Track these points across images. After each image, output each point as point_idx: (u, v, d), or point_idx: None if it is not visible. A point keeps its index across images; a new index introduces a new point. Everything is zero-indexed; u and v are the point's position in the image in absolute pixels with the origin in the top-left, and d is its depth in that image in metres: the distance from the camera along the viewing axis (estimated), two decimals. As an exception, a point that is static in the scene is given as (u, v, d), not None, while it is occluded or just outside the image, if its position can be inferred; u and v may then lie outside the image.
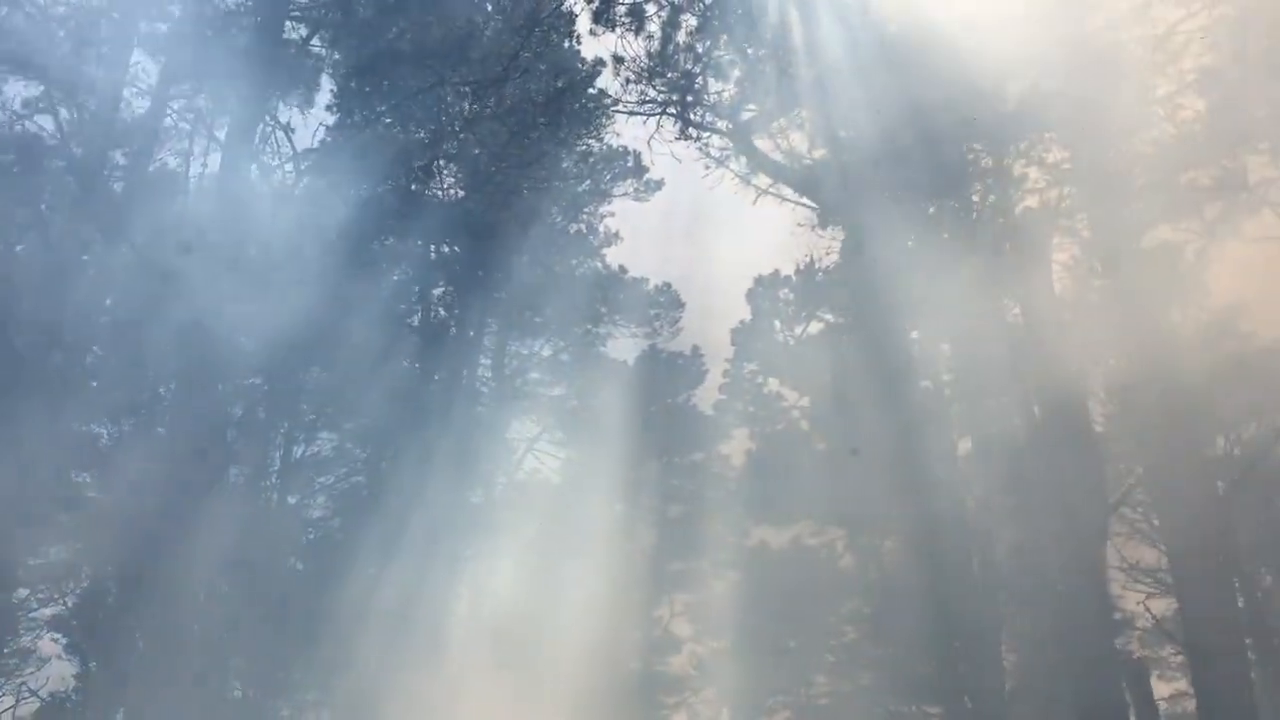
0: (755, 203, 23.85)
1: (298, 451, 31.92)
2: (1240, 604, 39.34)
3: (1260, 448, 28.52)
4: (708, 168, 24.54)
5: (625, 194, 30.88)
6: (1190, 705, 28.13)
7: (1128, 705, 21.35)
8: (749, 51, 22.93)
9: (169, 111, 25.67)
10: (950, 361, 33.88)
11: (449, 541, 31.22)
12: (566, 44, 26.34)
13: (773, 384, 36.72)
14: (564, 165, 27.25)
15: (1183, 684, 37.15)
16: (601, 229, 31.78)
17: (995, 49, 24.22)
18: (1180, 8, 23.69)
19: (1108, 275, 24.27)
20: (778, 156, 24.58)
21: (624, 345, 35.61)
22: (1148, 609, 35.00)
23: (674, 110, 23.05)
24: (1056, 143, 26.67)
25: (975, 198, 28.83)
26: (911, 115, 24.72)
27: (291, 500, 31.56)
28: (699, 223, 34.68)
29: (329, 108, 24.89)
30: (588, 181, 29.79)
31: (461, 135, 25.28)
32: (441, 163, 24.75)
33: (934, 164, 25.84)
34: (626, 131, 27.84)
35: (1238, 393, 34.53)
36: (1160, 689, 41.13)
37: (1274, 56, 25.89)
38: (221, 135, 26.00)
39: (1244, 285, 37.91)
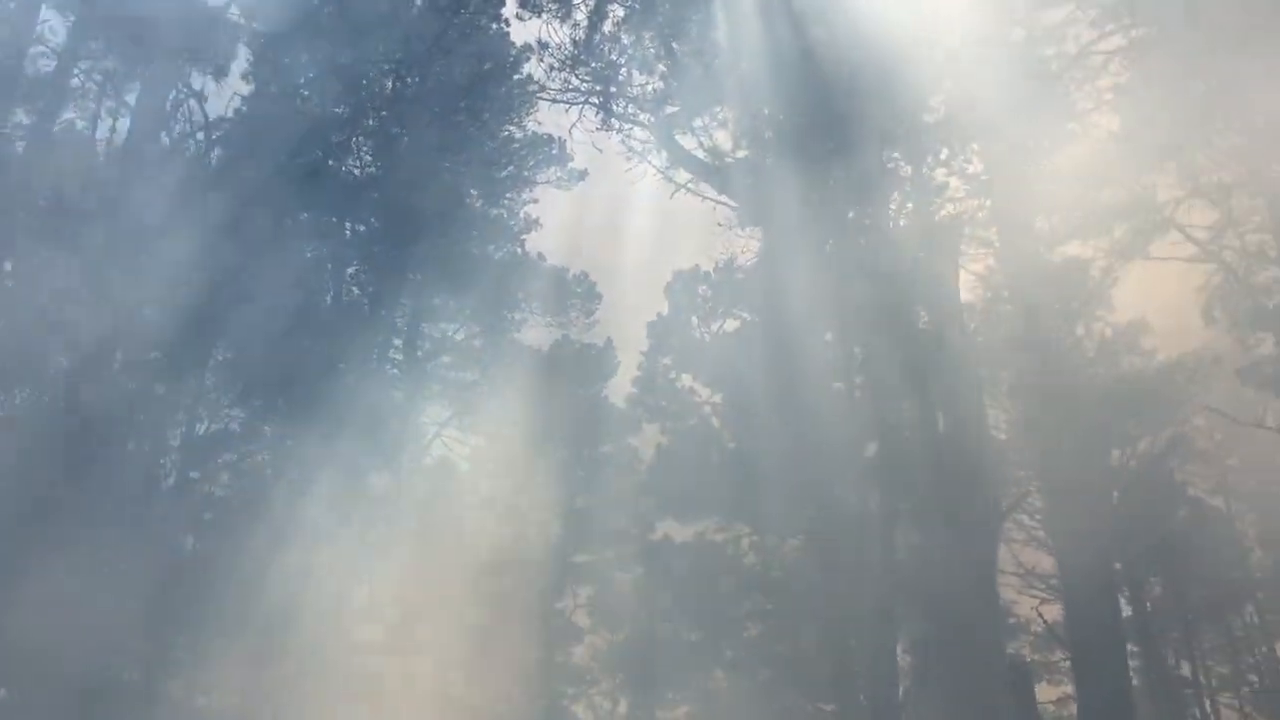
0: (673, 197, 23.83)
1: (200, 428, 31.23)
2: (1129, 612, 40.83)
3: (1153, 460, 29.51)
4: (629, 160, 24.49)
5: (548, 181, 30.69)
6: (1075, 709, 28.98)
7: (1010, 707, 21.87)
8: (674, 46, 22.91)
9: (76, 72, 24.84)
10: (861, 365, 34.37)
11: (352, 524, 30.79)
12: (494, 27, 26.13)
13: (686, 380, 36.85)
14: (486, 149, 26.94)
15: (1070, 688, 38.27)
16: (522, 215, 31.52)
17: (918, 58, 24.56)
18: (1094, 28, 24.22)
19: (1016, 287, 24.73)
20: (699, 153, 24.61)
21: (539, 333, 35.45)
22: (1040, 614, 36.04)
23: (596, 100, 22.94)
24: (978, 155, 27.10)
25: (893, 205, 29.25)
26: (832, 120, 24.96)
27: (194, 475, 30.90)
28: (622, 214, 34.62)
29: (244, 77, 24.32)
30: (510, 167, 29.52)
31: (382, 114, 24.86)
32: (360, 140, 24.30)
33: (852, 170, 26.12)
34: (550, 119, 27.65)
35: (1136, 407, 35.72)
36: (1049, 693, 42.40)
37: (1185, 78, 26.70)
38: (131, 99, 25.26)
39: (1148, 304, 39.17)
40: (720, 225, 32.17)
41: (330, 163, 24.71)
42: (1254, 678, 42.47)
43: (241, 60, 24.61)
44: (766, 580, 37.81)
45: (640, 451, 39.29)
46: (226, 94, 25.92)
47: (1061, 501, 21.25)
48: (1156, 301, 38.18)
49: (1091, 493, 21.85)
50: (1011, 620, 42.70)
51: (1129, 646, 41.39)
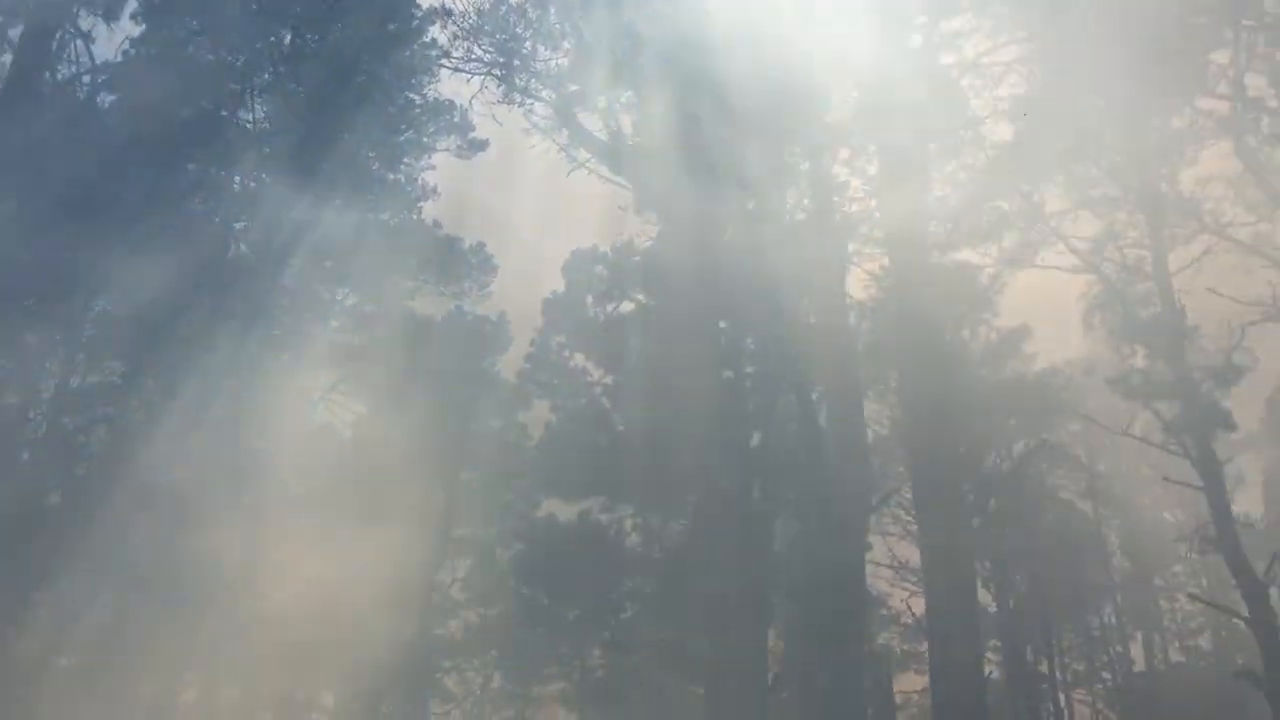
0: (569, 175, 23.75)
1: (75, 381, 30.21)
2: (995, 608, 42.24)
3: (1025, 463, 30.47)
4: (528, 133, 24.32)
5: (447, 149, 30.23)
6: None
7: (865, 693, 22.49)
8: (581, 26, 22.80)
9: (-46, 6, 23.70)
10: (751, 356, 34.80)
11: (227, 487, 30.13)
12: (400, -11, 25.64)
13: (579, 359, 36.80)
14: (386, 113, 26.45)
15: (932, 679, 39.34)
16: (419, 181, 30.99)
17: (822, 57, 24.87)
18: (989, 39, 24.80)
19: (905, 288, 25.22)
20: (601, 134, 24.56)
21: (432, 303, 34.94)
22: (909, 606, 37.12)
23: (498, 72, 22.69)
24: (876, 156, 27.55)
25: (790, 200, 29.64)
26: (735, 112, 25.12)
27: (68, 426, 29.90)
28: (522, 188, 34.39)
29: (135, 18, 23.44)
30: (409, 132, 28.97)
31: (280, 68, 24.23)
32: (254, 93, 23.64)
33: (753, 162, 26.35)
34: (451, 88, 27.28)
35: (1015, 410, 36.84)
36: (916, 682, 43.65)
37: (1079, 94, 27.55)
38: (15, 36, 24.19)
39: (1032, 311, 40.37)
40: (621, 208, 32.30)
41: (222, 114, 23.98)
42: (1107, 675, 44.37)
43: (133, 1, 23.70)
44: (647, 562, 38.07)
45: (529, 428, 39.20)
46: (117, 36, 24.99)
47: (928, 499, 21.82)
48: (1040, 309, 39.46)
49: (957, 491, 22.48)
50: (884, 611, 43.87)
51: (992, 641, 43.10)
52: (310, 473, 32.58)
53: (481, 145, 30.41)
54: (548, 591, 38.73)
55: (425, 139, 29.49)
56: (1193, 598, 33.99)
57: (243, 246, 28.13)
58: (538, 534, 38.12)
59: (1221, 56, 26.23)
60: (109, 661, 25.77)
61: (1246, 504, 44.65)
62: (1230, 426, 27.58)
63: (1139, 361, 28.46)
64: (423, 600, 36.24)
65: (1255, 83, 25.77)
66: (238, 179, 26.09)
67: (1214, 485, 25.47)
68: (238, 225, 27.42)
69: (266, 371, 29.44)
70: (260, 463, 31.60)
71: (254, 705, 36.09)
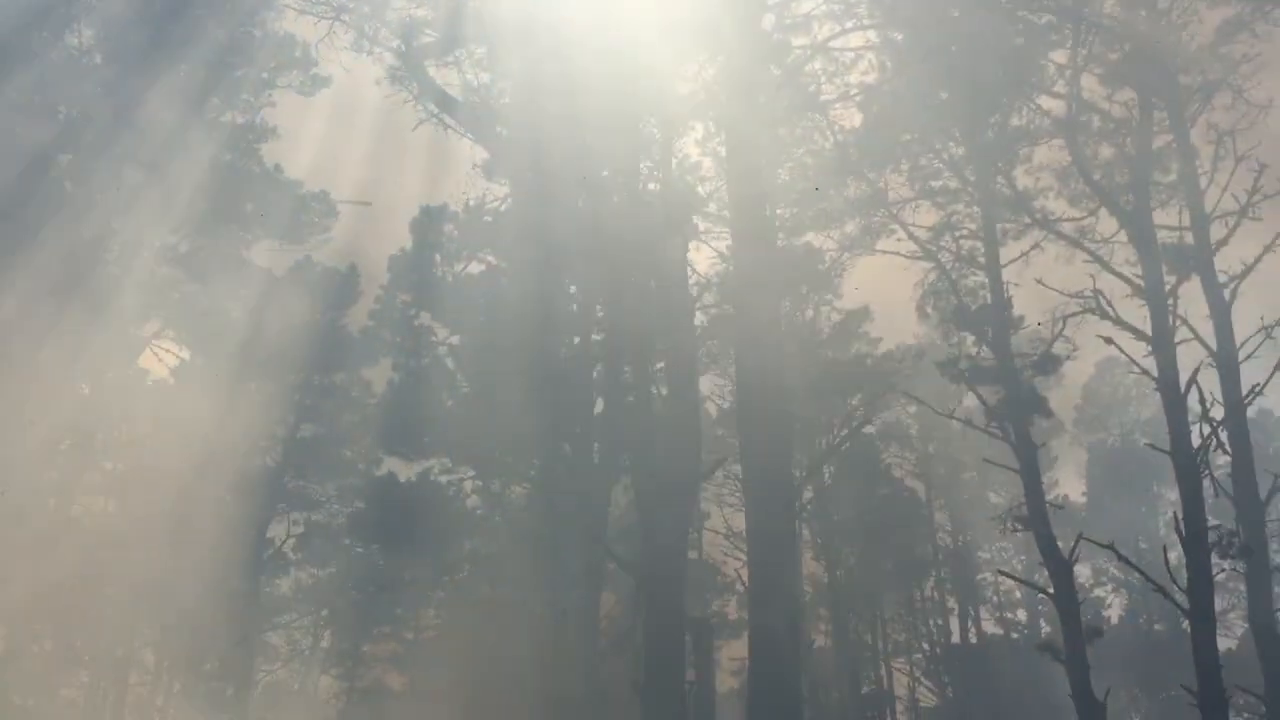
0: (416, 129, 23.24)
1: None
2: (827, 579, 43.70)
3: (856, 438, 31.44)
4: (378, 83, 23.69)
5: (288, 85, 29.04)
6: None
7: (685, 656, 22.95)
8: (436, -24, 22.32)
9: None
10: (598, 323, 34.90)
11: (44, 430, 28.79)
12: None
13: (425, 317, 36.21)
14: (222, 47, 25.27)
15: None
16: (259, 121, 29.81)
17: (681, 32, 24.86)
18: (838, 24, 25.20)
19: (746, 265, 25.49)
20: (453, 90, 24.11)
21: (274, 253, 33.85)
22: (740, 575, 38.00)
23: (347, 18, 22.02)
24: (725, 135, 27.67)
25: (644, 169, 29.65)
26: (592, 80, 24.93)
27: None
28: (374, 137, 33.48)
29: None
30: (250, 67, 27.78)
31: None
32: (79, 18, 22.35)
33: (608, 130, 26.20)
34: (296, 28, 26.28)
35: (854, 389, 37.97)
36: (744, 649, 44.81)
37: (924, 86, 28.29)
38: None
39: (872, 294, 41.58)
40: (475, 166, 31.80)
41: (43, 34, 22.56)
42: (926, 646, 46.45)
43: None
44: (487, 524, 38.01)
45: (373, 385, 38.49)
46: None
47: (755, 472, 22.30)
48: (880, 292, 40.70)
49: (785, 464, 23.01)
50: (719, 579, 44.93)
51: (820, 610, 44.62)
52: (135, 418, 31.39)
53: (325, 82, 29.32)
54: (384, 551, 38.27)
55: (264, 74, 28.32)
56: (1003, 574, 35.65)
57: (67, 184, 26.72)
58: (376, 492, 37.57)
59: (1060, 57, 27.29)
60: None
61: (1061, 487, 47.38)
62: (1046, 413, 28.97)
63: (968, 348, 29.43)
64: (252, 556, 35.33)
65: (1089, 83, 26.92)
66: (61, 109, 24.64)
67: (1029, 468, 26.66)
68: (63, 158, 26.01)
69: (89, 313, 28.14)
70: (83, 406, 30.28)
71: (69, 661, 34.74)
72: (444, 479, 37.71)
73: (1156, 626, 47.01)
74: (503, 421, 33.15)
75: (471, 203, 32.16)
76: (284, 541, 37.55)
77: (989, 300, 28.57)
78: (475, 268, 35.39)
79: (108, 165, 24.89)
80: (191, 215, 29.04)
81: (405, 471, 37.42)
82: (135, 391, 32.04)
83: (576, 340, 34.91)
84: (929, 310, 31.64)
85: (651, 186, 28.90)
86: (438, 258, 35.07)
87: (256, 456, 35.96)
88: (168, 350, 32.72)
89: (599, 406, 34.95)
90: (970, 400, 30.46)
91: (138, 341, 31.48)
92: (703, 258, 33.92)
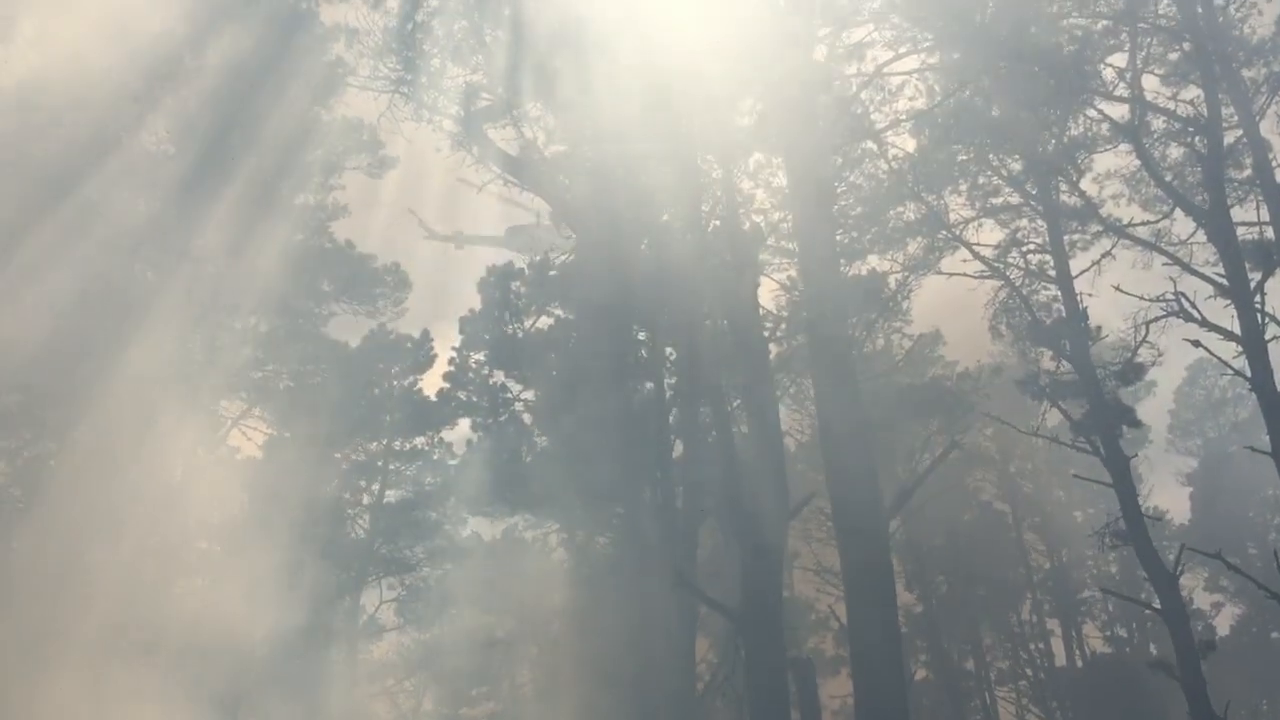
0: (480, 192, 23.68)
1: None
2: (920, 609, 42.91)
3: (943, 464, 30.93)
4: (439, 150, 24.20)
5: (357, 168, 29.94)
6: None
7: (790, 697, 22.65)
8: (489, 42, 22.79)
9: None
10: (672, 367, 34.96)
11: (140, 519, 29.45)
12: (303, 6, 25.43)
13: (499, 375, 36.61)
14: (291, 130, 26.12)
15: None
16: (330, 202, 30.65)
17: (733, 68, 25.08)
18: (890, 50, 25.25)
19: (813, 295, 25.42)
20: (511, 149, 24.53)
21: (347, 324, 34.59)
22: (833, 611, 37.44)
23: (405, 90, 22.58)
24: (782, 168, 27.79)
25: (705, 208, 29.82)
26: (648, 125, 25.20)
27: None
28: (436, 203, 34.18)
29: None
30: (317, 151, 28.66)
31: (179, 87, 23.83)
32: (154, 112, 23.21)
33: (667, 173, 26.44)
34: (360, 104, 27.06)
35: (931, 413, 37.42)
36: (844, 685, 44.06)
37: (977, 106, 28.17)
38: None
39: (941, 317, 41.14)
40: (537, 221, 32.27)
41: (123, 136, 23.49)
42: (1030, 671, 45.26)
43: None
44: (575, 578, 37.97)
45: (453, 447, 38.91)
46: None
47: (844, 504, 22.09)
48: (948, 315, 40.23)
49: (873, 495, 22.76)
50: (812, 616, 44.33)
51: (918, 641, 43.76)
52: (225, 500, 32.02)
53: (392, 163, 30.25)
54: (476, 611, 38.45)
55: (334, 157, 29.20)
56: (1106, 592, 34.73)
57: (148, 274, 27.58)
58: (464, 553, 37.85)
59: (1119, 60, 27.02)
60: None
61: (1155, 498, 46.17)
62: (1134, 423, 28.36)
63: (1046, 363, 29.01)
64: (347, 623, 35.73)
65: (1150, 84, 26.60)
66: (142, 202, 25.53)
67: (1123, 480, 26.10)
68: (139, 248, 26.88)
69: (176, 401, 28.88)
70: (176, 490, 30.96)
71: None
72: (529, 535, 37.87)
73: (1274, 635, 45.33)
74: (582, 473, 33.23)
75: (537, 258, 32.55)
76: (378, 607, 37.95)
77: (1063, 313, 28.18)
78: (544, 322, 35.78)
79: (187, 256, 25.69)
80: (269, 296, 29.79)
81: (490, 530, 37.72)
82: (225, 472, 32.73)
83: (650, 386, 34.97)
84: (1002, 329, 31.28)
85: (715, 224, 29.03)
86: (507, 315, 35.51)
87: (345, 525, 36.47)
88: (255, 429, 33.48)
89: (678, 450, 34.92)
90: (1053, 417, 29.95)
91: (224, 423, 32.23)
92: (768, 290, 33.88)
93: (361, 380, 35.47)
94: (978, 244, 29.52)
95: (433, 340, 38.73)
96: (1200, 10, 25.06)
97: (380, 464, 37.32)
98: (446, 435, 39.12)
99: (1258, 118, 24.93)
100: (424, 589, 38.98)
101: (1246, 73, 25.32)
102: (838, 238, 31.05)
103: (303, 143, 27.49)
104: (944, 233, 29.89)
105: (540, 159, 25.30)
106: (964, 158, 29.13)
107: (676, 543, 32.90)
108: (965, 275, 29.91)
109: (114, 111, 23.06)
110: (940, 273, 31.55)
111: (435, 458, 38.60)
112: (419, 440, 38.52)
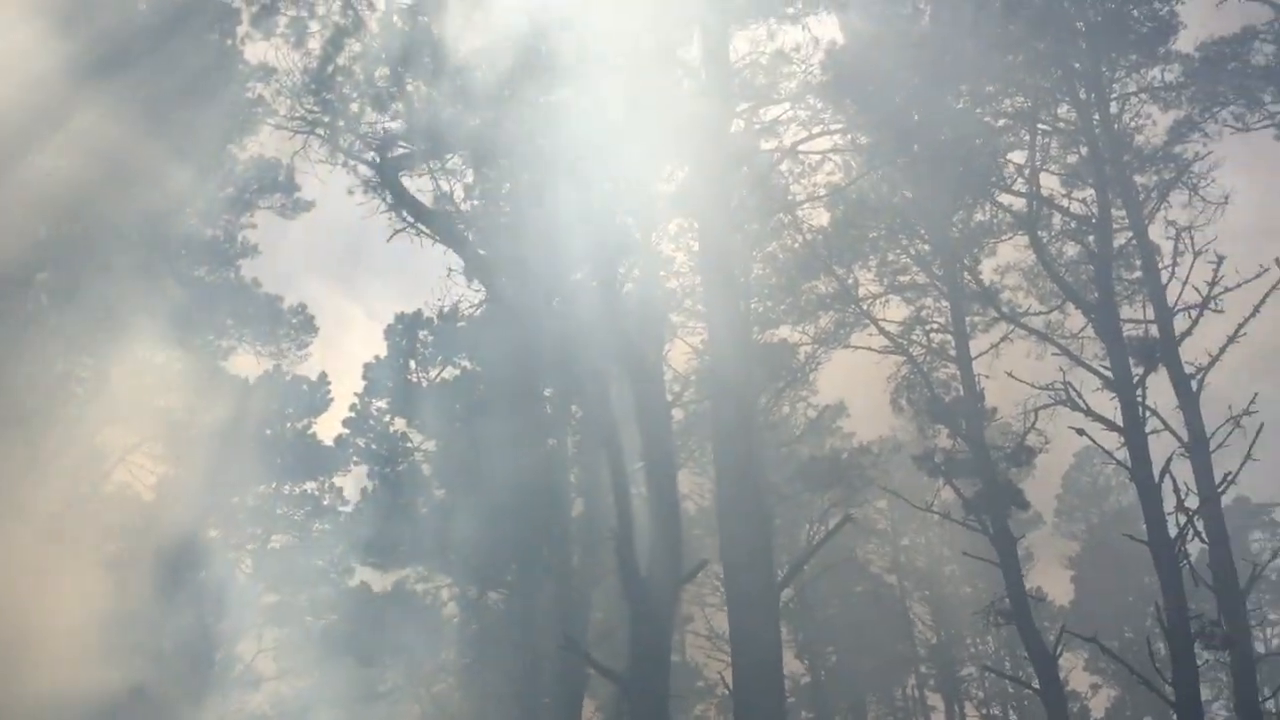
0: (390, 240, 23.44)
1: None
2: (808, 679, 43.16)
3: (835, 535, 31.37)
4: (352, 193, 23.92)
5: (270, 207, 29.56)
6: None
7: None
8: (411, 91, 22.75)
9: None
10: (576, 425, 34.94)
11: (17, 552, 28.21)
12: (225, 41, 25.15)
13: (400, 424, 36.19)
14: (204, 166, 25.71)
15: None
16: (240, 239, 30.17)
17: (656, 135, 25.41)
18: (805, 129, 25.95)
19: (722, 361, 25.66)
20: (426, 198, 24.38)
21: (248, 362, 33.84)
22: (723, 678, 37.40)
23: (322, 132, 22.39)
24: (701, 232, 28.13)
25: (621, 270, 30.03)
26: (569, 183, 25.34)
27: None
28: (348, 248, 33.86)
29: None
30: (230, 188, 28.25)
31: (90, 110, 23.31)
32: (58, 134, 22.64)
33: (586, 231, 26.55)
34: (275, 144, 26.74)
35: (829, 484, 37.87)
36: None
37: (890, 186, 29.03)
38: None
39: (846, 388, 41.87)
40: (449, 272, 32.06)
41: (24, 157, 22.84)
42: (911, 745, 45.78)
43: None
44: (464, 634, 37.39)
45: (345, 493, 38.14)
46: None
47: (737, 571, 22.20)
48: (854, 387, 40.99)
49: (766, 563, 22.94)
50: (700, 683, 44.25)
51: (804, 714, 43.93)
52: (109, 533, 30.85)
53: (306, 205, 29.94)
54: (359, 663, 37.46)
55: (246, 196, 28.78)
56: (986, 669, 35.35)
57: (42, 298, 26.72)
58: (351, 603, 36.94)
59: (1019, 157, 28.18)
60: None
61: (1039, 579, 47.29)
62: (1023, 505, 29.14)
63: (943, 441, 29.66)
64: (223, 673, 34.47)
65: (1048, 182, 27.76)
66: (42, 226, 24.79)
67: (1009, 560, 26.71)
68: (38, 275, 26.08)
69: (61, 429, 27.90)
70: (54, 523, 29.74)
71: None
72: (420, 588, 37.19)
73: (1146, 719, 46.53)
74: (479, 527, 32.89)
75: (446, 309, 32.38)
76: (255, 656, 36.70)
77: (961, 393, 28.94)
78: (450, 373, 35.53)
79: (84, 280, 24.95)
80: (167, 327, 29.05)
81: (379, 581, 36.91)
82: (108, 508, 31.58)
83: (553, 443, 34.87)
84: (903, 404, 31.96)
85: (629, 286, 29.22)
86: (413, 364, 35.19)
87: (228, 570, 35.36)
88: (141, 465, 32.44)
89: (577, 509, 34.78)
90: (947, 494, 30.62)
91: (110, 456, 31.19)
92: (679, 354, 34.22)
93: (256, 420, 34.61)
94: (884, 319, 30.37)
95: (329, 383, 38.08)
96: (1097, 117, 26.30)
97: (268, 507, 36.35)
98: (340, 481, 38.38)
99: (1147, 222, 26.16)
100: (306, 638, 37.86)
101: (1138, 178, 26.62)
102: (753, 306, 31.63)
103: (215, 177, 27.06)
104: (853, 307, 30.59)
105: (455, 212, 25.17)
106: (875, 234, 29.93)
107: (570, 603, 32.66)
108: (871, 350, 30.70)
109: (19, 133, 22.45)
110: (848, 346, 32.33)
111: (326, 504, 37.76)
112: (310, 485, 37.69)
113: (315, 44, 22.20)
